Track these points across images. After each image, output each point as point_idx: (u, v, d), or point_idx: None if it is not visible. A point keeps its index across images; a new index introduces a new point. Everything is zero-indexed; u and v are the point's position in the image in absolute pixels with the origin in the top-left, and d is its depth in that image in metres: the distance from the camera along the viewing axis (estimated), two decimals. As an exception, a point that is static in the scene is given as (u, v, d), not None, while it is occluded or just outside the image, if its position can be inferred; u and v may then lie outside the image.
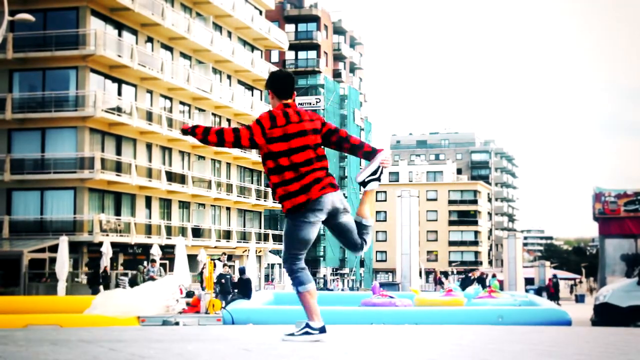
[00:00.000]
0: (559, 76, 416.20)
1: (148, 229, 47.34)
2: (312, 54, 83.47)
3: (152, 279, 26.99)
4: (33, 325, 14.28)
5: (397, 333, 7.48)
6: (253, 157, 59.73)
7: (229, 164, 58.38)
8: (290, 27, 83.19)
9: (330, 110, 76.60)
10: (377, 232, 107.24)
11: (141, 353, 5.17)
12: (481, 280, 40.28)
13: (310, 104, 74.96)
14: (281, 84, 6.33)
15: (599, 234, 30.64)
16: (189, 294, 25.36)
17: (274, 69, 64.26)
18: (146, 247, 43.51)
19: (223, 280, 26.62)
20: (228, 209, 58.25)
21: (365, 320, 13.84)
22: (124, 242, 44.52)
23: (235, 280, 27.13)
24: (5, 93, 43.25)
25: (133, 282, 33.46)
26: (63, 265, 32.47)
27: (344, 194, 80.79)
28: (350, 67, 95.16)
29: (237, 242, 57.37)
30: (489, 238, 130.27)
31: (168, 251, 43.42)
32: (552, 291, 45.87)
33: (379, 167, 6.37)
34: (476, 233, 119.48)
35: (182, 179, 50.81)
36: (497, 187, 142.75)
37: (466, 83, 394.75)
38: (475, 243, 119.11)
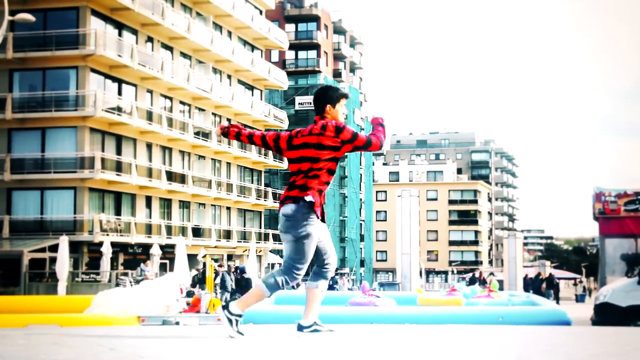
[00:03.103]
0: (559, 76, 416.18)
1: (148, 229, 47.34)
2: (312, 53, 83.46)
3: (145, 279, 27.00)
4: (33, 325, 14.26)
5: (398, 333, 7.47)
6: (253, 156, 59.74)
7: (229, 164, 58.37)
8: (291, 27, 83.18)
9: (330, 110, 76.61)
10: (377, 231, 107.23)
11: (141, 353, 5.17)
12: (550, 281, 40.59)
13: (310, 103, 74.95)
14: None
15: (599, 233, 30.64)
16: (189, 294, 25.38)
17: (274, 68, 64.29)
18: (146, 247, 43.51)
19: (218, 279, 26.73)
20: (228, 208, 58.24)
21: (346, 320, 13.69)
22: (124, 242, 44.51)
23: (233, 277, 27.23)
24: (5, 93, 43.25)
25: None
26: (63, 265, 32.46)
27: (343, 195, 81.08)
28: (350, 67, 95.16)
29: (238, 241, 57.37)
30: (489, 238, 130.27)
31: (168, 251, 43.43)
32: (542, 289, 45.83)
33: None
34: (476, 233, 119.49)
35: (182, 179, 50.80)
36: (497, 187, 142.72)
37: (466, 83, 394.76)
38: (475, 243, 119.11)
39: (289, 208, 6.46)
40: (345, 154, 6.71)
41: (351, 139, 6.45)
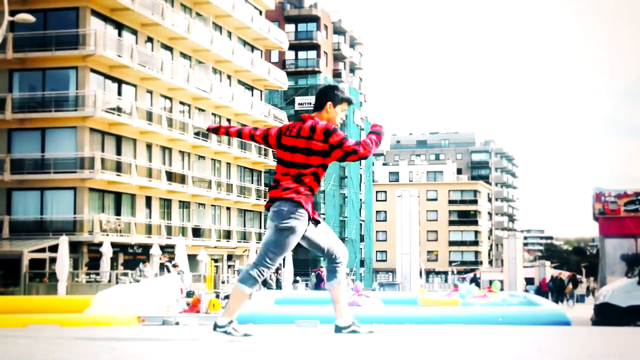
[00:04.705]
0: (559, 76, 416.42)
1: (148, 229, 47.35)
2: (312, 54, 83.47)
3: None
4: (33, 325, 14.26)
5: (398, 333, 7.47)
6: (253, 156, 59.74)
7: (229, 164, 58.39)
8: (290, 27, 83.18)
9: (330, 110, 76.66)
10: (377, 232, 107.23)
11: (141, 353, 5.18)
12: (574, 282, 40.48)
13: (310, 104, 74.98)
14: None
15: (599, 233, 30.60)
16: (189, 294, 25.39)
17: (274, 68, 64.30)
18: (146, 247, 43.52)
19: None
20: (228, 208, 58.25)
21: (329, 319, 13.60)
22: (124, 242, 44.52)
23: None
24: (5, 93, 43.26)
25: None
26: (63, 265, 32.45)
27: (343, 195, 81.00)
28: (350, 67, 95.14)
29: (237, 242, 57.38)
30: (489, 238, 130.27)
31: (168, 251, 43.44)
32: (544, 289, 45.64)
33: None
34: (476, 233, 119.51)
35: (182, 179, 50.82)
36: (497, 187, 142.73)
37: (466, 83, 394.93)
38: (475, 243, 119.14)
39: (277, 204, 6.34)
40: (338, 161, 6.44)
41: (340, 143, 6.26)
